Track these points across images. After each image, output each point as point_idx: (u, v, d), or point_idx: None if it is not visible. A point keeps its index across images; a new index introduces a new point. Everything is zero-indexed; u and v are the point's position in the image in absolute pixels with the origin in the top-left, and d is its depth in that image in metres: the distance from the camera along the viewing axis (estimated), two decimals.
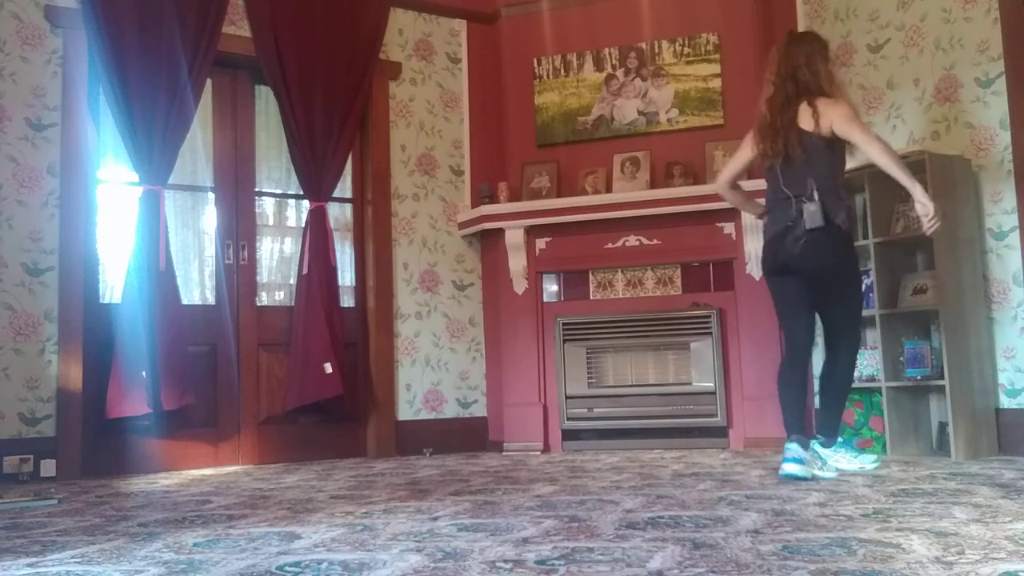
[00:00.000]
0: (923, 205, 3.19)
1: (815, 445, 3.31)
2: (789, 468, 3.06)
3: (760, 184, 4.47)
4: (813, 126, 3.24)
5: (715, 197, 4.52)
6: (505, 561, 1.76)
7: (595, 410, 4.72)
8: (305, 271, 4.54)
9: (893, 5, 4.29)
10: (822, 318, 3.40)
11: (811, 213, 3.23)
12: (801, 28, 4.75)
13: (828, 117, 3.22)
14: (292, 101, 4.57)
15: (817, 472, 3.14)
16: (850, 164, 4.12)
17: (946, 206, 3.73)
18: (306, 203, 4.65)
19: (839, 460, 3.30)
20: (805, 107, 3.26)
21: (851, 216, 3.40)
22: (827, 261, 3.24)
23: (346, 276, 4.87)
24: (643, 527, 2.12)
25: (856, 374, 4.05)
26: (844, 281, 3.33)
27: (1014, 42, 3.78)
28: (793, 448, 3.11)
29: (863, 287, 3.58)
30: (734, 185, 3.66)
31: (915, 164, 3.82)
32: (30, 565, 1.90)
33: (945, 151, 3.89)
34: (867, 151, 3.23)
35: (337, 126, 4.69)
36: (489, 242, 5.04)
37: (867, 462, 3.30)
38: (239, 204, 4.59)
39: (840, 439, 3.38)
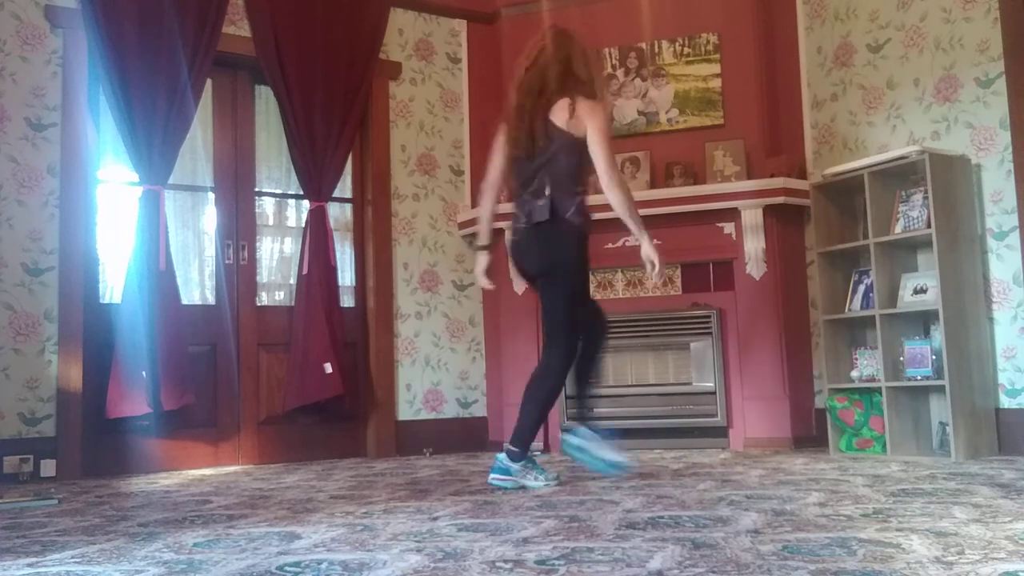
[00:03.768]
0: (647, 256, 3.08)
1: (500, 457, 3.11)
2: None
3: (761, 184, 4.52)
4: (566, 123, 3.08)
5: (715, 197, 4.55)
6: (505, 561, 1.76)
7: (595, 410, 4.71)
8: (305, 271, 4.54)
9: (893, 5, 4.29)
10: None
11: (539, 208, 3.08)
12: (801, 28, 4.76)
13: (583, 123, 3.06)
14: (292, 101, 4.57)
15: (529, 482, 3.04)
16: (842, 166, 4.14)
17: (946, 206, 3.74)
18: (306, 203, 4.65)
19: (526, 476, 3.08)
20: (565, 102, 3.09)
21: (585, 215, 3.13)
22: (548, 255, 3.08)
23: (346, 276, 4.87)
24: (643, 527, 2.12)
25: (856, 374, 4.07)
26: (557, 276, 3.11)
27: (1014, 42, 3.78)
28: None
29: (579, 292, 3.16)
30: (495, 195, 3.34)
31: (915, 164, 3.83)
32: (30, 565, 1.90)
33: (945, 151, 3.89)
34: (603, 186, 3.09)
35: (337, 126, 4.68)
36: None
37: (545, 480, 3.07)
38: (239, 204, 4.59)
39: (526, 456, 3.11)
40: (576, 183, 3.13)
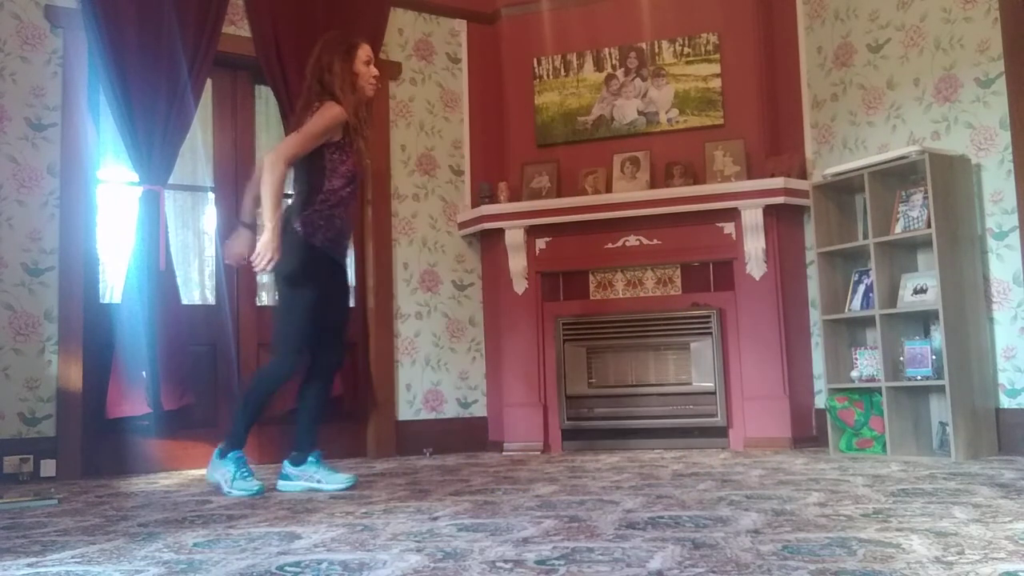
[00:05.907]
0: (264, 242, 3.05)
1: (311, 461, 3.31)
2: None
3: (761, 184, 4.52)
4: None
5: (715, 197, 4.56)
6: (505, 561, 1.76)
7: (595, 410, 4.72)
8: None
9: (893, 5, 4.29)
10: None
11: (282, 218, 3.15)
12: (801, 28, 4.76)
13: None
14: (292, 101, 4.55)
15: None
16: (842, 166, 4.14)
17: (946, 206, 3.74)
18: None
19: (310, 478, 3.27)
20: (314, 108, 3.20)
21: (316, 225, 3.18)
22: (279, 265, 3.12)
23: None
24: (643, 527, 2.12)
25: (856, 374, 4.07)
26: (283, 288, 3.24)
27: (1014, 42, 3.78)
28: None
29: (299, 307, 3.20)
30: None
31: (915, 164, 3.83)
32: (30, 565, 1.90)
33: (945, 151, 3.89)
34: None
35: None
36: (489, 242, 5.04)
37: (339, 482, 3.23)
38: (239, 204, 4.58)
39: (311, 457, 3.34)
40: (309, 192, 3.20)
